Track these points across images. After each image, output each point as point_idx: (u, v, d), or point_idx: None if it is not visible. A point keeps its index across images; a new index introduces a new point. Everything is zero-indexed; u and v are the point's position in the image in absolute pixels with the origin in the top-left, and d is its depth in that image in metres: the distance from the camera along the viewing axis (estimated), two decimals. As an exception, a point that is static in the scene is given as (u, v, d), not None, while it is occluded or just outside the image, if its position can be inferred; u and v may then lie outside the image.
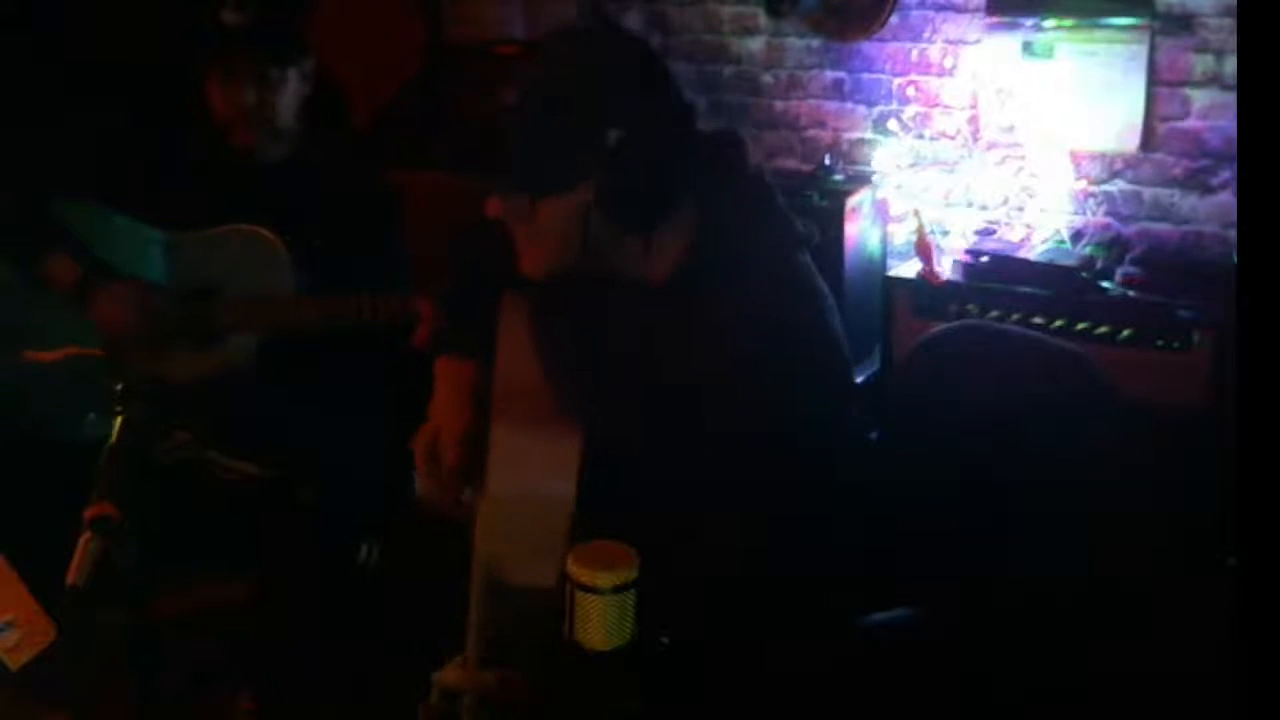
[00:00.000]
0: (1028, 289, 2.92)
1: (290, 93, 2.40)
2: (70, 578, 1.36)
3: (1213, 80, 3.01)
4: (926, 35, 3.33)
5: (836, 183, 3.32)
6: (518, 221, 1.56)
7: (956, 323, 2.19)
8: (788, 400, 1.47)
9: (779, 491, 1.45)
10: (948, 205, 3.34)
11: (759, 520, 1.45)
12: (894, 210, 3.35)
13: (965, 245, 3.16)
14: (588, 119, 1.49)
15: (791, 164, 3.59)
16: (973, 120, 3.30)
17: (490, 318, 1.67)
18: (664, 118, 1.54)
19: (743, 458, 1.45)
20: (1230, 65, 2.97)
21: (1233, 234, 3.00)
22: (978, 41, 3.25)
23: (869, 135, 3.47)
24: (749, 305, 1.51)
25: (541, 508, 1.42)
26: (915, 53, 3.36)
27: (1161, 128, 3.09)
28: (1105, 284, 2.92)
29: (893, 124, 3.40)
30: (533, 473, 1.45)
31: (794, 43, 3.48)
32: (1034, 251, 3.08)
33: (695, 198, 1.58)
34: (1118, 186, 3.17)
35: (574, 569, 1.20)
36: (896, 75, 3.40)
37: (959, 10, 3.27)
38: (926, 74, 3.35)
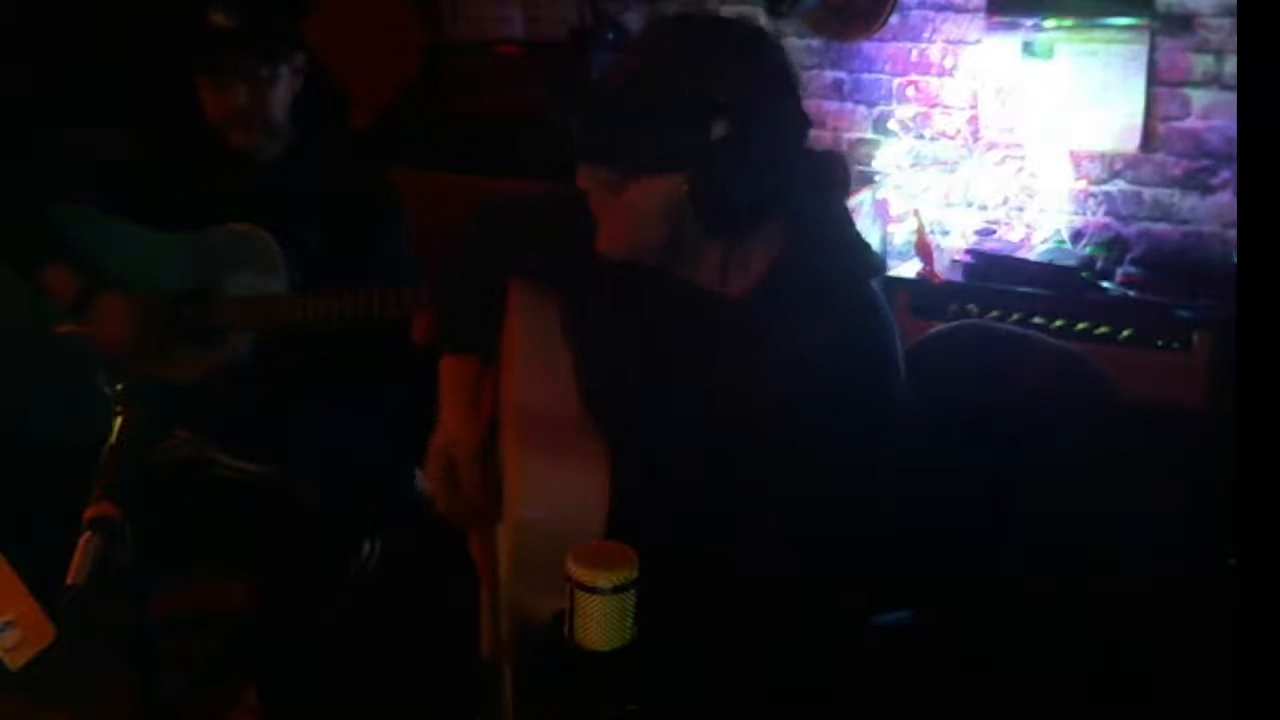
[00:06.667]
0: (1028, 289, 2.91)
1: (282, 90, 2.38)
2: (70, 578, 1.35)
3: (1213, 80, 3.01)
4: (926, 35, 3.33)
5: (836, 183, 3.32)
6: (604, 194, 1.49)
7: (956, 323, 2.19)
8: (852, 432, 1.44)
9: (827, 513, 1.43)
10: (948, 205, 3.34)
11: (802, 543, 1.44)
12: (894, 210, 3.35)
13: (965, 245, 3.16)
14: (692, 101, 1.42)
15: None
16: (973, 120, 3.30)
17: (495, 313, 1.65)
18: (776, 123, 1.46)
19: (796, 482, 1.43)
20: (1230, 65, 2.97)
21: (1233, 234, 3.00)
22: (978, 41, 3.25)
23: (869, 135, 3.47)
24: (829, 333, 1.47)
25: (571, 535, 1.39)
26: (915, 53, 3.36)
27: (1161, 128, 3.09)
28: (1105, 284, 2.92)
29: (893, 124, 3.40)
30: (560, 500, 1.41)
31: (794, 43, 3.47)
32: (1034, 251, 3.08)
33: (788, 213, 1.52)
34: (1118, 186, 3.17)
35: (574, 569, 1.19)
36: (896, 75, 3.40)
37: (959, 10, 3.27)
38: (926, 74, 3.35)
